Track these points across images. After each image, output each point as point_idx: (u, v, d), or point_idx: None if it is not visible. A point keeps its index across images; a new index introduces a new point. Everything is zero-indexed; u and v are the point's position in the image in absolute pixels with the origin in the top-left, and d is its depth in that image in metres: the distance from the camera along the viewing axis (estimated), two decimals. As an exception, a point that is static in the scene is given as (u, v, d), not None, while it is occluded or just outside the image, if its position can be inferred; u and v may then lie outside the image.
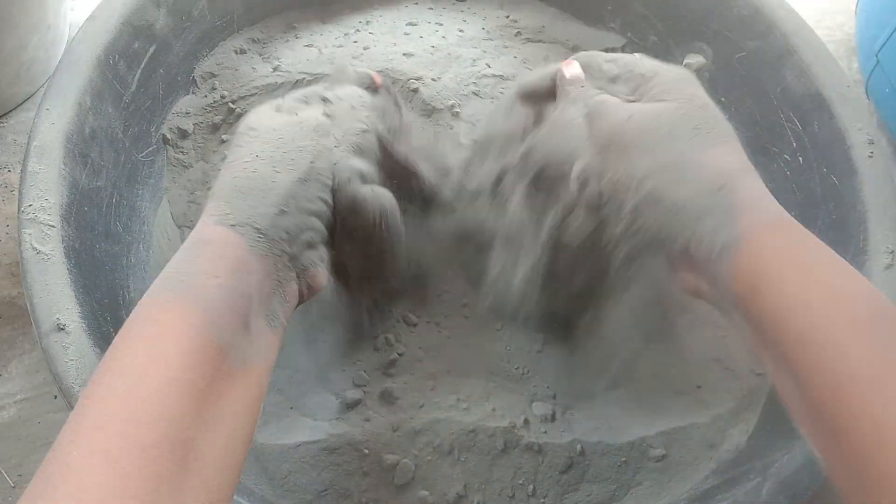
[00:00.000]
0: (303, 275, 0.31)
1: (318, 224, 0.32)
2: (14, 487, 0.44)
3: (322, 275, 0.32)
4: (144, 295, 0.27)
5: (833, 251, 0.28)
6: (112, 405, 0.23)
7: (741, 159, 0.31)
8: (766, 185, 0.30)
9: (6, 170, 0.54)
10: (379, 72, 0.47)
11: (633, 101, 0.33)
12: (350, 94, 0.36)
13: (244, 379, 0.27)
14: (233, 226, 0.29)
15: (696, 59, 0.47)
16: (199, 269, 0.28)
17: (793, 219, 0.29)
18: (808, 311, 0.25)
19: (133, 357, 0.25)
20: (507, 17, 0.55)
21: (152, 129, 0.47)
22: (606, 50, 0.55)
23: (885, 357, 0.23)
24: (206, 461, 0.24)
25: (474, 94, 0.47)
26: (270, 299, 0.29)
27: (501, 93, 0.48)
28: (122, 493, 0.21)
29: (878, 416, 0.22)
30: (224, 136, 0.48)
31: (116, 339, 0.26)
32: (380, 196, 0.33)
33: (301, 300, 0.32)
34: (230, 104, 0.49)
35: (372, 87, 0.38)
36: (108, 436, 0.22)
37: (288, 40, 0.53)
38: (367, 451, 0.38)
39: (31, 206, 0.36)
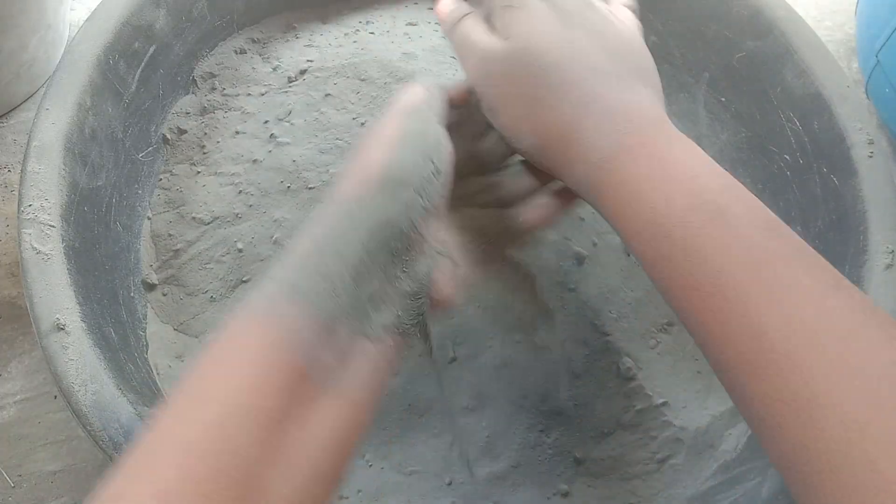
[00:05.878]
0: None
1: None
2: (14, 487, 0.44)
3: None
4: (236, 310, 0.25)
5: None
6: (173, 431, 0.22)
7: None
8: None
9: (6, 170, 0.54)
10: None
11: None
12: None
13: (334, 403, 0.24)
14: None
15: None
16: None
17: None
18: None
19: (202, 379, 0.23)
20: (507, 17, 0.55)
21: (152, 129, 0.47)
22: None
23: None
24: (274, 499, 0.21)
25: (474, 94, 0.47)
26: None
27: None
28: None
29: None
30: (224, 136, 0.48)
31: (198, 358, 0.24)
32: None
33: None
34: (230, 104, 0.49)
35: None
36: (162, 466, 0.21)
37: (288, 40, 0.53)
38: None
39: (30, 206, 0.36)
